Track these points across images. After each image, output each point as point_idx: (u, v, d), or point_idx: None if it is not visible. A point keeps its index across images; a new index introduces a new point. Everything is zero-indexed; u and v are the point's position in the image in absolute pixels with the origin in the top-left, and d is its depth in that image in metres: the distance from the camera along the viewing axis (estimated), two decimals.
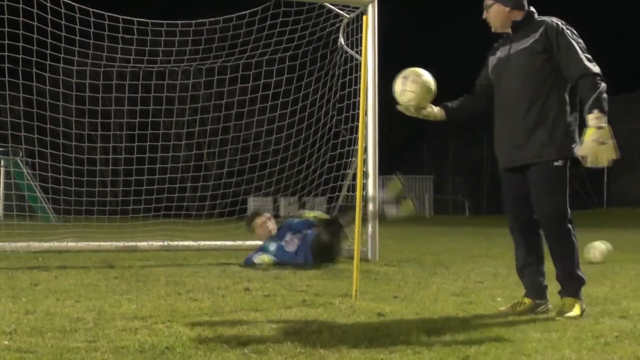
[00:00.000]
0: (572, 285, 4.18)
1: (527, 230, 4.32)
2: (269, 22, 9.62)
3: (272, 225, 7.59)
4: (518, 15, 4.24)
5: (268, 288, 5.37)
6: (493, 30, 4.35)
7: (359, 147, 5.26)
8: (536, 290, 4.32)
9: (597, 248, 8.04)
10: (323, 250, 7.25)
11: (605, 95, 3.95)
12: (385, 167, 9.67)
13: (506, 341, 3.45)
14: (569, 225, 4.15)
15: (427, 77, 4.36)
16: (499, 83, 4.32)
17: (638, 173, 32.14)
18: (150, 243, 9.26)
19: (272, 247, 7.33)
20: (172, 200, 10.49)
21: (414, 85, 4.31)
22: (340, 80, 9.33)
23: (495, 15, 4.27)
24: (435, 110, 4.43)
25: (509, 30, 4.28)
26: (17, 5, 8.60)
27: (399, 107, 4.42)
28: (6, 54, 8.91)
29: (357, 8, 8.63)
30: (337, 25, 9.22)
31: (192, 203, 11.93)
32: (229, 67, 10.85)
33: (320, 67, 9.93)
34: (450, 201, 40.68)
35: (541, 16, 4.26)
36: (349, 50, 9.00)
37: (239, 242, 9.31)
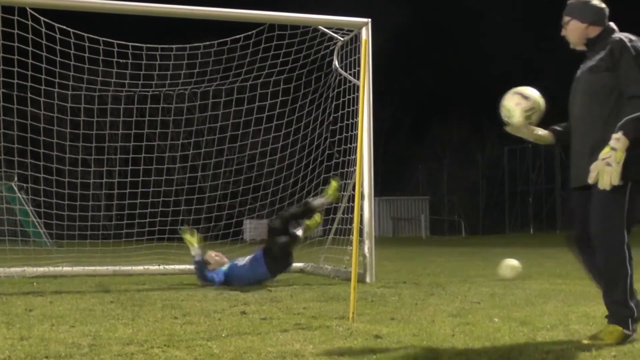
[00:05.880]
0: (616, 311, 3.97)
1: (586, 249, 4.13)
2: (263, 46, 9.67)
3: (224, 258, 7.91)
4: (594, 32, 4.12)
5: (265, 311, 5.34)
6: (571, 47, 4.22)
7: (357, 168, 5.24)
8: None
9: (508, 265, 8.35)
10: (278, 253, 7.49)
11: None
12: (381, 188, 9.67)
13: None
14: (623, 248, 3.90)
15: (538, 94, 4.22)
16: (571, 102, 4.22)
17: None
18: (145, 267, 9.24)
19: (225, 267, 7.66)
20: (166, 223, 10.46)
21: (527, 101, 4.17)
22: (334, 103, 9.37)
23: (573, 32, 4.17)
24: (545, 134, 4.32)
25: (585, 48, 4.17)
26: (12, 30, 8.64)
27: (509, 128, 4.25)
28: (1, 79, 8.94)
29: (351, 31, 8.69)
30: (331, 48, 9.28)
31: (187, 226, 11.86)
32: (223, 90, 10.90)
33: (314, 89, 9.98)
34: (446, 221, 40.70)
35: (618, 33, 4.09)
36: (343, 72, 9.05)
37: None
